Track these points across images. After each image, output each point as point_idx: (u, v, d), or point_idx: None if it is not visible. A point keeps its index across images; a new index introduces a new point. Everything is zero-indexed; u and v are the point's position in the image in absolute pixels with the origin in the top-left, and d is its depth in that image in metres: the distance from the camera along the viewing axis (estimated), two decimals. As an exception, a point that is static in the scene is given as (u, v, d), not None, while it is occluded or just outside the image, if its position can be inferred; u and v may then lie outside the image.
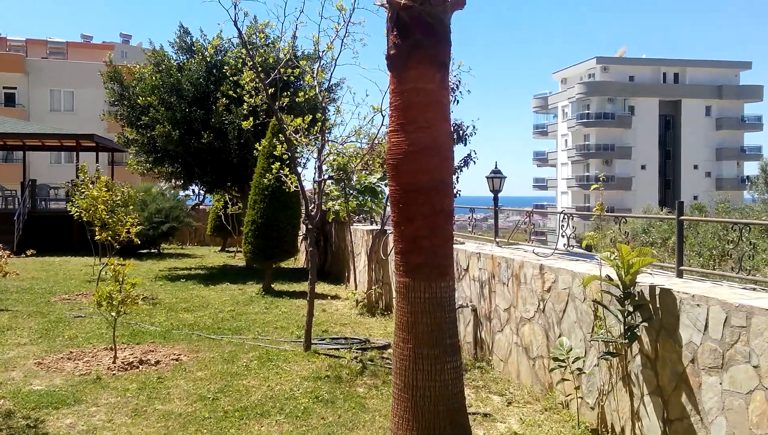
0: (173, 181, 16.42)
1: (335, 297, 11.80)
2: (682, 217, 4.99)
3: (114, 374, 6.13)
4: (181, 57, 14.95)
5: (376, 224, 11.96)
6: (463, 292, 7.89)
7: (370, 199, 12.02)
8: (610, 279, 4.85)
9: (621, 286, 4.73)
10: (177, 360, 6.71)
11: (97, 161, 20.73)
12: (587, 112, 62.22)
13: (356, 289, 11.92)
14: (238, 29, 6.90)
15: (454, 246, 8.48)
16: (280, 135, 7.80)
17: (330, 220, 13.67)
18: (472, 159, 12.16)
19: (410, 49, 3.64)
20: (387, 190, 11.45)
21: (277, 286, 12.39)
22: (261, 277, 12.32)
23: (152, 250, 19.10)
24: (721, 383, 4.01)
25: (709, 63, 62.90)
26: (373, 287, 10.91)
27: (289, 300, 11.10)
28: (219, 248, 21.89)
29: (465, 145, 12.17)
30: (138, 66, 14.71)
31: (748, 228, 4.66)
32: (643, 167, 61.87)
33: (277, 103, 7.22)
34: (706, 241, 14.21)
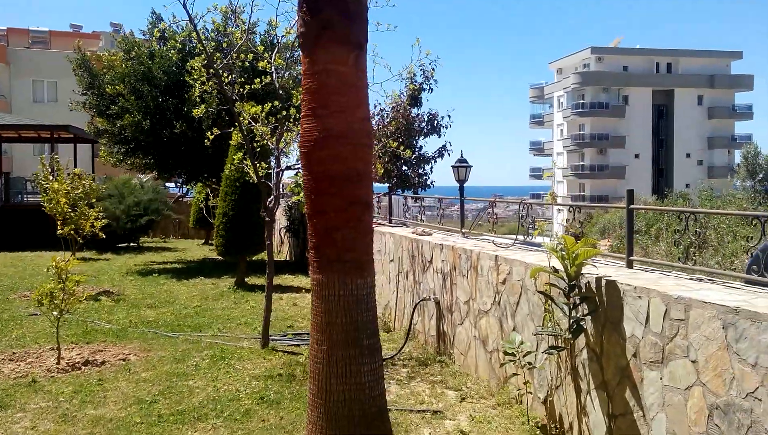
0: (147, 172, 16.10)
1: (309, 290, 11.58)
2: (632, 206, 4.80)
3: (52, 376, 5.89)
4: (153, 45, 14.57)
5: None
6: (427, 285, 7.71)
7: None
8: (556, 270, 4.66)
9: (566, 278, 4.53)
10: (125, 360, 6.48)
11: (75, 152, 20.34)
12: (582, 101, 62.15)
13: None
14: (187, 12, 6.63)
15: (421, 238, 8.33)
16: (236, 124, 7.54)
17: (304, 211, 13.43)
18: (447, 150, 11.97)
19: (320, 26, 3.38)
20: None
21: (251, 280, 12.17)
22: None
23: (131, 244, 18.84)
24: (661, 378, 3.83)
25: (701, 53, 62.88)
26: (344, 280, 10.72)
27: (261, 294, 10.85)
28: (202, 241, 21.66)
29: (440, 136, 11.99)
30: (107, 53, 14.29)
31: (694, 217, 4.45)
32: (636, 156, 61.91)
33: (236, 91, 6.95)
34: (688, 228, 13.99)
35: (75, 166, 17.60)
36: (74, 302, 6.31)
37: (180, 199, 23.96)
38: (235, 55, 7.04)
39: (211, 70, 6.93)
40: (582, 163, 62.92)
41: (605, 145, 61.73)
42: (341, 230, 3.50)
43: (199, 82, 7.04)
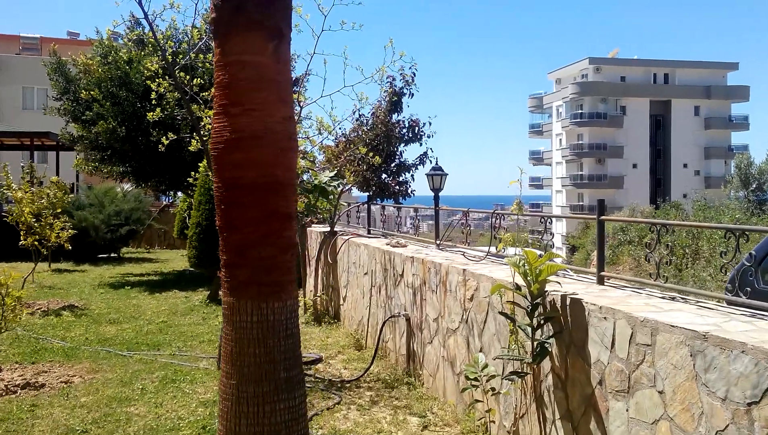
0: (126, 180, 15.67)
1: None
2: (602, 217, 4.40)
3: (-18, 400, 5.46)
4: (132, 53, 14.20)
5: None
6: (399, 300, 7.29)
7: (321, 198, 11.36)
8: (519, 287, 4.25)
9: (529, 296, 4.12)
10: (67, 383, 6.02)
11: (57, 160, 19.95)
12: (580, 111, 62.20)
13: (313, 294, 11.29)
14: (143, 8, 6.28)
15: (394, 250, 7.91)
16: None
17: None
18: (428, 157, 11.58)
19: (232, 11, 2.96)
20: (338, 190, 10.86)
21: (226, 293, 11.72)
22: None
23: (112, 255, 18.38)
24: (627, 410, 3.41)
25: (698, 64, 63.14)
26: (319, 293, 10.29)
27: (234, 307, 10.43)
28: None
29: (421, 143, 11.60)
30: (83, 57, 13.90)
31: (667, 229, 4.05)
32: (634, 166, 61.80)
33: (194, 92, 6.58)
34: (681, 240, 13.64)
35: (57, 174, 17.24)
36: (13, 320, 5.89)
37: (166, 209, 23.55)
38: (194, 55, 6.67)
39: (165, 74, 6.58)
40: (581, 172, 62.81)
41: (603, 154, 61.65)
42: (257, 247, 3.05)
43: (155, 84, 6.67)
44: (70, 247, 10.28)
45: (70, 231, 10.21)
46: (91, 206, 17.07)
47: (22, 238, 9.74)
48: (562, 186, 64.85)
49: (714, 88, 61.54)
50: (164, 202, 23.63)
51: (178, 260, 18.65)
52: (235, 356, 3.09)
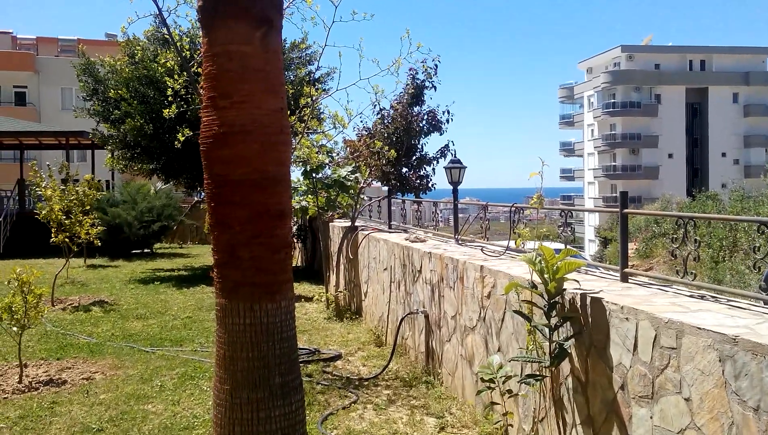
0: (157, 177, 15.91)
1: (310, 299, 11.13)
2: (625, 211, 4.17)
3: (6, 398, 5.50)
4: (158, 50, 14.31)
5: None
6: (417, 296, 7.15)
7: (343, 193, 11.26)
8: (534, 286, 4.07)
9: (546, 295, 3.94)
10: (89, 379, 6.07)
11: (93, 158, 20.43)
12: (613, 101, 60.60)
13: (335, 290, 11.26)
14: (156, 3, 6.26)
15: (412, 245, 7.76)
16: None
17: (312, 216, 12.97)
18: (449, 149, 11.34)
19: None
20: (357, 184, 10.76)
21: (251, 288, 11.76)
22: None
23: (145, 250, 18.75)
24: (651, 417, 3.21)
25: (736, 49, 60.77)
26: (341, 289, 10.23)
27: (258, 303, 10.45)
28: (217, 248, 21.46)
29: (441, 134, 11.37)
30: (111, 58, 14.10)
31: (695, 223, 3.80)
32: (670, 156, 59.96)
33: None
34: (717, 232, 13.04)
35: (92, 172, 17.64)
36: (36, 316, 5.97)
37: (198, 205, 23.90)
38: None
39: (182, 70, 6.56)
40: (614, 163, 61.32)
41: (637, 145, 60.01)
42: (248, 246, 2.94)
43: (172, 80, 6.67)
44: (99, 244, 10.48)
45: (99, 228, 10.39)
46: (125, 203, 17.43)
47: (53, 235, 9.95)
48: (594, 177, 63.45)
49: (753, 74, 59.19)
50: (196, 199, 23.96)
51: (208, 255, 18.87)
52: (228, 360, 2.99)
